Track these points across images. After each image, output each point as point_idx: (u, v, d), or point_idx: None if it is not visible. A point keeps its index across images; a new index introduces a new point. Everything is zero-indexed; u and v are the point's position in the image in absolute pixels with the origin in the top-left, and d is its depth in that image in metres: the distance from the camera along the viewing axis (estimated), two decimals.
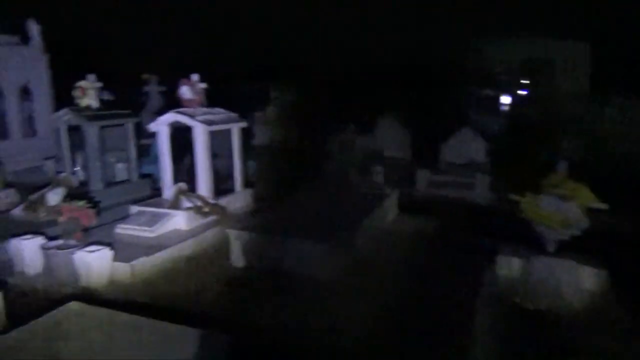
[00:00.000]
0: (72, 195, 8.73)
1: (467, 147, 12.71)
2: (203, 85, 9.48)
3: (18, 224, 8.68)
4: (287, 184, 10.09)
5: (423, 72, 25.33)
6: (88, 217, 6.98)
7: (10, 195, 10.46)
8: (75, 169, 9.93)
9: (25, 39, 14.08)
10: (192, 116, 8.83)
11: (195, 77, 9.35)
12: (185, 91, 9.11)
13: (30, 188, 10.72)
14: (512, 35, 33.06)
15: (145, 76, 16.96)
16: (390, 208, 9.14)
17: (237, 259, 7.00)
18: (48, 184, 9.81)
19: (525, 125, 16.95)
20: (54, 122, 10.39)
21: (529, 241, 6.47)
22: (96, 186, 9.55)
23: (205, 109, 9.41)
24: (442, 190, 11.17)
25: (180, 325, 3.82)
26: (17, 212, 9.15)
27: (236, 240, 7.03)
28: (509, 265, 6.43)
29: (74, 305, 4.39)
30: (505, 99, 23.44)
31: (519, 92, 25.11)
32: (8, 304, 5.13)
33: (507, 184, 9.15)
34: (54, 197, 8.57)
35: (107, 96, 15.05)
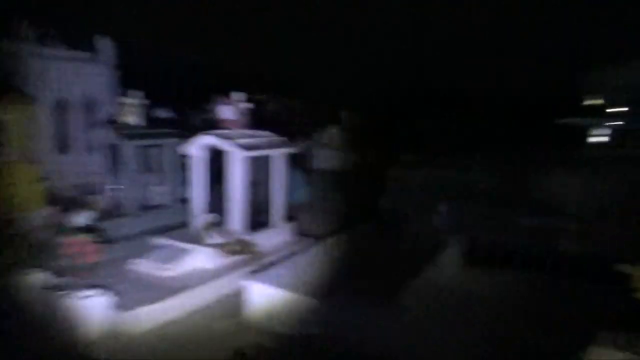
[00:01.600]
0: (102, 218, 8.09)
1: None
2: (247, 105, 8.51)
3: (47, 249, 8.15)
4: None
5: None
6: (93, 253, 6.10)
7: (53, 213, 10.09)
8: (110, 188, 9.29)
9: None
10: (229, 139, 7.81)
11: (237, 95, 8.39)
12: (224, 111, 8.16)
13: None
14: None
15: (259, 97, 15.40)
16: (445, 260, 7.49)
17: (253, 314, 5.75)
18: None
19: None
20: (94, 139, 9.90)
21: None
22: (129, 210, 8.82)
23: (248, 132, 8.40)
24: None
25: None
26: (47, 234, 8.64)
27: (259, 297, 5.79)
28: None
29: None
30: None
31: None
32: None
33: None
34: (78, 222, 7.89)
35: (164, 114, 14.72)
